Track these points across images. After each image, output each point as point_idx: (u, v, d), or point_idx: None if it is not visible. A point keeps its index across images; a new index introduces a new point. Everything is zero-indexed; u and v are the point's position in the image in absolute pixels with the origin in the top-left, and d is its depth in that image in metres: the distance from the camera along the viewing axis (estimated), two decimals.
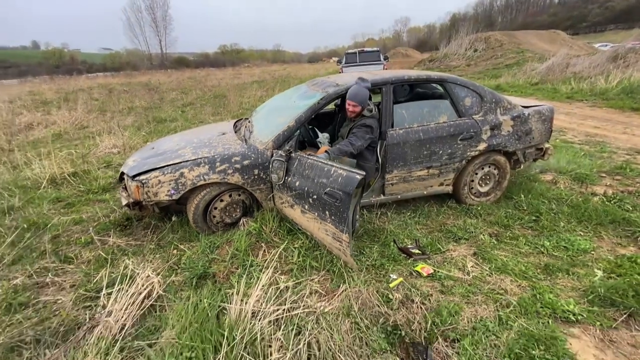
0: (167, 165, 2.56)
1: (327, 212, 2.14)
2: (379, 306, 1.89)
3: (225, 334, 1.61)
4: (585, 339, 1.72)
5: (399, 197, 2.97)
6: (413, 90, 3.85)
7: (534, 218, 2.87)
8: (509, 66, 15.39)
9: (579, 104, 7.83)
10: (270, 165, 2.51)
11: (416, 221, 2.96)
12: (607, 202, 3.03)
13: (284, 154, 2.43)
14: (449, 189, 3.07)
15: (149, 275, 2.13)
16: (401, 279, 2.17)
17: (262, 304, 1.84)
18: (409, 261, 2.39)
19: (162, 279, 2.20)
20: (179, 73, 28.98)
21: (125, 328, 1.83)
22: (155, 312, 1.99)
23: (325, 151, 2.50)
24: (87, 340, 1.74)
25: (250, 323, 1.69)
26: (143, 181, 2.50)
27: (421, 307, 1.90)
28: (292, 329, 1.69)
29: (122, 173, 2.81)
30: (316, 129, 3.40)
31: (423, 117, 2.91)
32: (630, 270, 2.12)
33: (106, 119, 8.43)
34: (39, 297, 2.16)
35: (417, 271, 2.27)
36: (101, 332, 1.78)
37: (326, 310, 1.86)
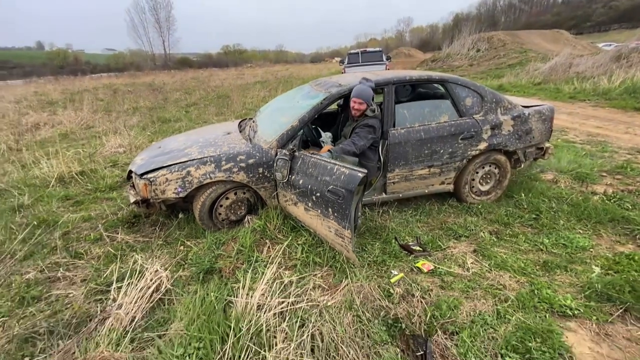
0: (175, 164, 2.63)
1: (330, 209, 2.20)
2: (380, 300, 1.95)
3: (232, 325, 1.67)
4: (581, 333, 1.77)
5: (401, 195, 3.02)
6: (415, 91, 3.90)
7: (534, 216, 2.91)
8: (511, 66, 15.38)
9: (581, 104, 7.84)
10: (275, 164, 2.57)
11: (417, 219, 3.01)
12: (607, 201, 3.07)
13: (287, 153, 2.49)
14: (450, 187, 3.12)
15: (157, 270, 2.20)
16: (402, 274, 2.22)
17: (267, 297, 1.90)
18: (410, 258, 2.44)
19: (170, 273, 2.26)
20: (182, 73, 29.13)
21: (136, 320, 1.89)
22: (164, 305, 2.06)
23: (328, 150, 2.57)
24: (98, 332, 1.81)
25: (256, 315, 1.75)
26: (151, 179, 2.57)
27: (421, 301, 1.96)
28: (296, 321, 1.75)
29: (130, 171, 2.88)
30: (319, 129, 3.46)
31: (424, 116, 2.96)
32: (628, 267, 2.16)
33: (111, 119, 8.53)
34: (51, 291, 2.24)
35: (417, 267, 2.32)
36: (112, 324, 1.84)
37: (329, 303, 1.92)
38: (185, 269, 2.38)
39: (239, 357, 1.57)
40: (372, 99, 2.73)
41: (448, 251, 2.52)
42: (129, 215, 3.21)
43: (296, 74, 23.56)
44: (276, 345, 1.62)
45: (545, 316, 1.84)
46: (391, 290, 2.06)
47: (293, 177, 2.47)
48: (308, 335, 1.68)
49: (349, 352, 1.62)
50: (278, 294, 1.93)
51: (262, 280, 2.00)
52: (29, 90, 16.81)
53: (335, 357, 1.61)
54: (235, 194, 2.77)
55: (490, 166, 3.16)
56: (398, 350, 1.69)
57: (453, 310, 1.89)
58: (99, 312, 2.01)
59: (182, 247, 2.65)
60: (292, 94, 3.61)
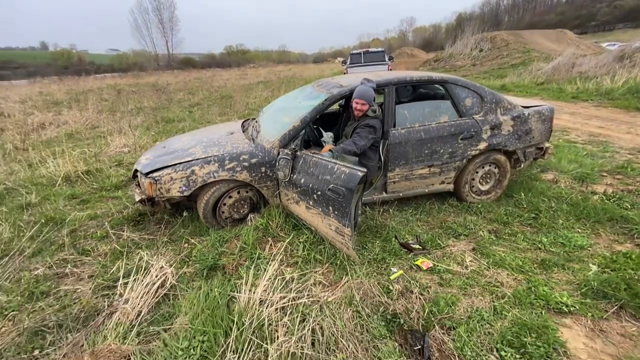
0: (179, 163, 2.68)
1: (330, 208, 2.24)
2: (379, 296, 2.00)
3: (235, 319, 1.72)
4: (576, 329, 1.81)
5: (401, 194, 3.06)
6: (415, 91, 3.94)
7: (533, 216, 2.94)
8: (514, 66, 15.35)
9: (584, 104, 7.83)
10: (277, 163, 2.63)
11: (417, 218, 3.05)
12: (606, 201, 3.09)
13: (289, 153, 2.54)
14: (450, 187, 3.16)
15: (162, 267, 2.26)
16: (401, 272, 2.27)
17: (269, 293, 1.95)
18: (410, 256, 2.48)
19: (175, 270, 2.32)
20: (185, 73, 29.27)
21: (142, 314, 1.95)
22: (169, 300, 2.12)
23: (330, 150, 2.61)
24: (106, 325, 1.87)
25: (258, 310, 1.81)
26: (156, 178, 2.63)
27: (420, 298, 2.00)
28: (297, 316, 1.80)
29: (136, 170, 2.94)
30: (321, 129, 3.51)
31: (424, 117, 3.00)
32: (625, 265, 2.19)
33: (116, 119, 8.63)
34: (59, 287, 2.30)
35: (417, 265, 2.36)
36: (119, 318, 1.90)
37: (329, 299, 1.97)
38: (190, 266, 2.44)
39: (242, 350, 1.62)
40: (374, 100, 2.78)
41: (447, 249, 2.56)
42: (135, 213, 3.27)
43: (299, 74, 23.61)
44: (278, 338, 1.67)
45: (541, 312, 1.88)
46: (390, 287, 2.10)
47: (295, 176, 2.52)
48: (309, 329, 1.73)
49: (349, 346, 1.67)
50: (280, 290, 1.98)
51: (264, 276, 2.05)
52: (34, 90, 16.97)
53: (335, 351, 1.66)
54: (239, 192, 2.82)
55: (490, 166, 3.19)
56: (396, 344, 1.73)
57: (451, 306, 1.93)
58: (106, 306, 2.07)
59: (186, 245, 2.71)
60: (295, 94, 3.66)
